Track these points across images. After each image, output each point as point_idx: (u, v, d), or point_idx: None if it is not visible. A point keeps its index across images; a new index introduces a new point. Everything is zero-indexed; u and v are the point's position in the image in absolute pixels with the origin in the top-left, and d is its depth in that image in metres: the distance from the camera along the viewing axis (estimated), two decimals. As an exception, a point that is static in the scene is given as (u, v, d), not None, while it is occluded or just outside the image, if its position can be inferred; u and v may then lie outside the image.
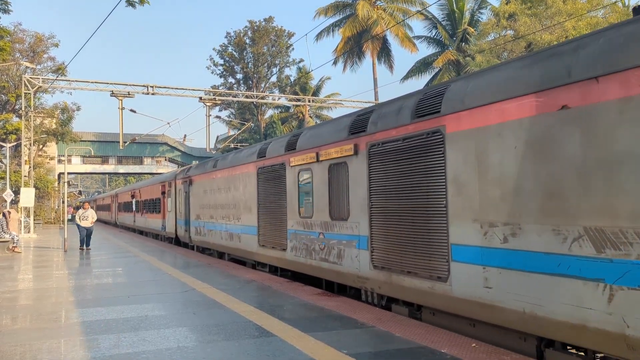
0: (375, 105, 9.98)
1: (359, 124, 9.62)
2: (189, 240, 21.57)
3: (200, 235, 19.80)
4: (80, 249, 21.98)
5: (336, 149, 10.18)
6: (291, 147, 12.25)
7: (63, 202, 38.10)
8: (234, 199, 15.88)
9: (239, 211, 15.52)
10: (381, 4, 46.60)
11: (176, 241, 24.71)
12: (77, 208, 79.82)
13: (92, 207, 24.78)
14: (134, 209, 37.34)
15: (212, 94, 39.24)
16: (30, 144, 38.92)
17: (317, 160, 10.95)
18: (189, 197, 21.26)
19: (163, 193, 26.51)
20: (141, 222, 34.60)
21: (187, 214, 21.55)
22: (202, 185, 19.42)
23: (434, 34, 44.04)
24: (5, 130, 43.55)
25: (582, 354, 5.88)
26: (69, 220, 36.31)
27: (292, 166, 12.10)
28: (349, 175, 9.82)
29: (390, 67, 48.83)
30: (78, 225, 22.25)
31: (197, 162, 22.99)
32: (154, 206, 29.45)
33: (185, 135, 49.60)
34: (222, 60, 62.74)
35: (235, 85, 63.01)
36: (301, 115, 58.13)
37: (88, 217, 22.29)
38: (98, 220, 52.32)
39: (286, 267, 12.68)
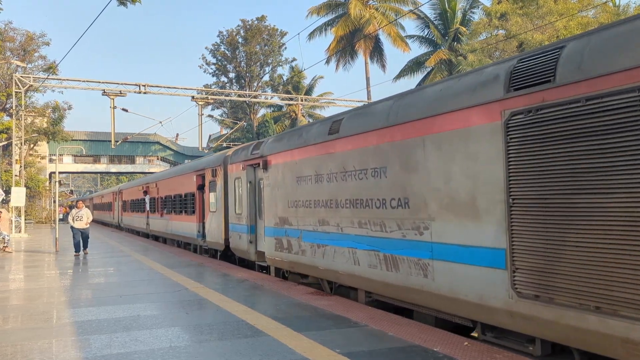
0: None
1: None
2: (254, 257, 14.29)
3: (286, 251, 11.84)
4: (75, 254, 19.10)
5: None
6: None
7: (54, 201, 37.86)
8: (408, 187, 7.84)
9: (423, 211, 7.55)
10: (373, 3, 46.62)
11: (223, 255, 17.27)
12: (71, 207, 79.33)
13: (87, 206, 21.75)
14: (147, 208, 29.57)
15: (204, 93, 39.18)
16: (21, 143, 38.70)
17: None
18: (259, 190, 13.87)
19: (201, 187, 19.23)
20: (159, 226, 26.84)
21: (253, 216, 14.24)
22: (293, 169, 11.43)
23: (426, 34, 44.13)
24: (-5, 129, 43.22)
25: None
26: (60, 219, 36.11)
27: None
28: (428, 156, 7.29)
29: (383, 66, 48.92)
30: (72, 227, 19.47)
31: (268, 138, 14.07)
32: (182, 205, 21.90)
33: (177, 134, 49.63)
34: (215, 59, 62.62)
35: (227, 84, 62.90)
36: (294, 114, 58.06)
37: (82, 217, 19.56)
38: (94, 221, 51.64)
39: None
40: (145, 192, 29.80)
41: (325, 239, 10.15)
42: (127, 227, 37.68)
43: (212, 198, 17.73)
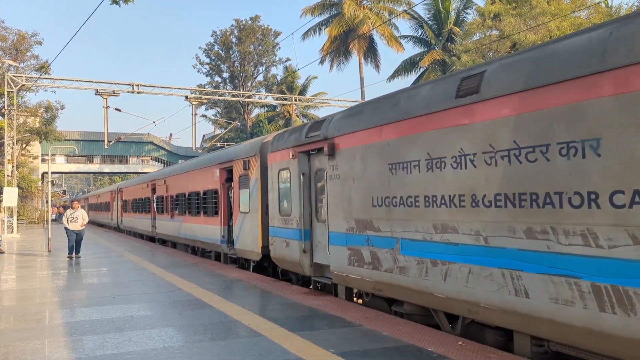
0: None
1: None
2: (309, 270, 10.99)
3: (369, 266, 8.74)
4: (68, 257, 18.40)
5: None
6: None
7: (47, 201, 37.67)
8: None
9: None
10: (367, 3, 46.65)
11: (258, 266, 14.10)
12: (65, 207, 78.75)
13: (81, 207, 21.04)
14: (153, 208, 26.38)
15: (198, 93, 39.09)
16: (14, 143, 38.47)
17: None
18: (317, 184, 10.82)
19: (227, 181, 16.19)
20: (169, 229, 23.35)
21: (307, 218, 11.04)
22: (383, 153, 8.40)
23: (420, 34, 44.21)
24: (-13, 129, 42.95)
25: None
26: (53, 220, 35.94)
27: None
28: None
29: (377, 66, 48.96)
30: (66, 229, 18.56)
31: (332, 115, 10.78)
32: (201, 204, 18.46)
33: (171, 134, 49.58)
34: (209, 59, 62.55)
35: (221, 84, 62.81)
36: (288, 114, 58.04)
37: (78, 218, 18.57)
38: (89, 222, 51.20)
39: None
40: (154, 190, 26.29)
41: (449, 253, 6.95)
42: (128, 229, 34.33)
43: (244, 196, 14.38)
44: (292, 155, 11.27)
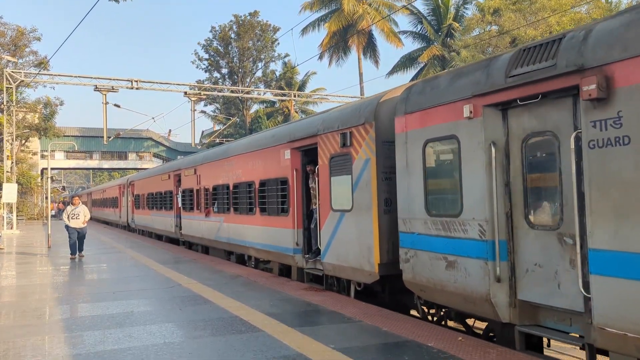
0: None
1: None
2: (508, 314, 6.41)
3: None
4: (71, 257, 17.22)
5: None
6: None
7: (46, 197, 37.66)
8: None
9: None
10: (367, -2, 46.57)
11: (367, 291, 9.71)
12: (64, 203, 78.45)
13: (83, 203, 19.68)
14: (177, 203, 21.82)
15: (197, 89, 39.04)
16: (13, 139, 38.43)
17: None
18: (531, 161, 6.33)
19: (304, 166, 11.80)
20: (201, 230, 18.53)
21: (503, 222, 6.55)
22: None
23: (419, 29, 44.11)
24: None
25: None
26: (52, 216, 35.92)
27: None
28: None
29: (376, 62, 48.87)
30: (67, 227, 17.43)
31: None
32: (256, 198, 13.75)
33: (170, 130, 49.57)
34: (207, 54, 62.36)
35: (220, 80, 62.65)
36: (287, 110, 57.95)
37: (79, 215, 17.45)
38: (93, 219, 49.64)
39: None
40: (177, 182, 21.99)
41: None
42: (142, 228, 29.82)
43: (341, 186, 9.92)
44: (470, 113, 6.79)
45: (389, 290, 9.23)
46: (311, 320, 7.67)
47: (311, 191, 11.43)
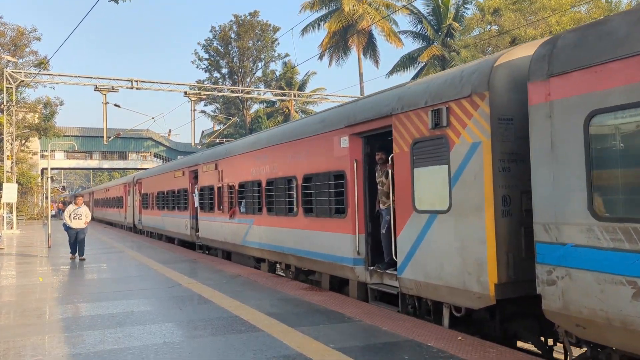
0: None
1: None
2: None
3: None
4: (71, 257, 16.84)
5: None
6: None
7: (46, 197, 37.65)
8: None
9: None
10: (367, -2, 46.58)
11: (467, 319, 7.34)
12: (64, 203, 78.25)
13: (85, 202, 18.67)
14: (194, 203, 19.35)
15: (197, 89, 39.04)
16: (13, 139, 38.44)
17: None
18: None
19: (367, 156, 9.75)
20: (223, 233, 16.19)
21: None
22: None
23: (419, 29, 44.11)
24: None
25: None
26: (52, 216, 35.88)
27: None
28: None
29: (376, 61, 48.88)
30: (66, 227, 16.87)
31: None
32: (299, 196, 11.57)
33: (170, 130, 49.40)
34: (207, 54, 62.37)
35: (220, 80, 62.66)
36: (287, 110, 57.96)
37: (81, 215, 16.89)
38: (95, 220, 48.97)
39: None
40: (192, 179, 19.70)
41: None
42: (151, 230, 27.48)
43: (427, 180, 7.74)
44: None
45: (499, 316, 7.12)
46: (311, 320, 7.67)
47: (378, 187, 9.15)
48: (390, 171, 8.58)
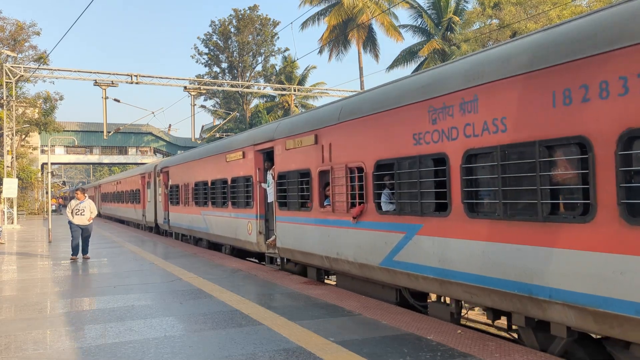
0: None
1: None
2: None
3: None
4: (72, 258, 15.24)
5: None
6: None
7: (47, 192, 37.65)
8: None
9: None
10: (367, -8, 46.43)
11: None
12: (65, 198, 77.88)
13: (90, 197, 16.95)
14: (260, 198, 13.54)
15: (197, 83, 38.98)
16: (13, 134, 38.43)
17: None
18: None
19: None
20: (343, 244, 9.40)
21: None
22: None
23: (419, 23, 43.98)
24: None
25: None
26: (53, 211, 35.92)
27: None
28: None
29: (376, 56, 48.79)
30: (70, 224, 15.40)
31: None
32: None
33: (170, 125, 49.35)
34: (207, 49, 62.26)
35: (220, 75, 62.58)
36: (287, 104, 57.91)
37: (84, 210, 15.37)
38: (102, 217, 47.90)
39: None
40: (261, 162, 13.73)
41: None
42: (185, 232, 21.17)
43: None
44: None
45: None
46: (311, 314, 7.70)
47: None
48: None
